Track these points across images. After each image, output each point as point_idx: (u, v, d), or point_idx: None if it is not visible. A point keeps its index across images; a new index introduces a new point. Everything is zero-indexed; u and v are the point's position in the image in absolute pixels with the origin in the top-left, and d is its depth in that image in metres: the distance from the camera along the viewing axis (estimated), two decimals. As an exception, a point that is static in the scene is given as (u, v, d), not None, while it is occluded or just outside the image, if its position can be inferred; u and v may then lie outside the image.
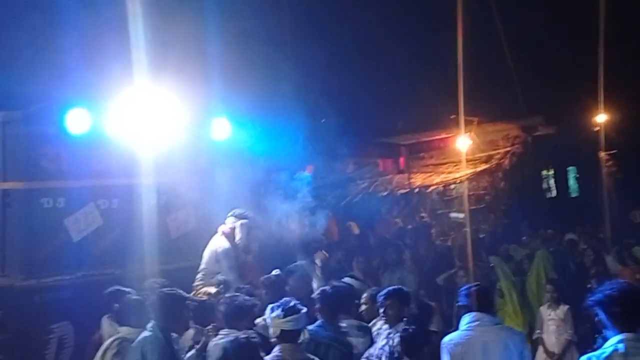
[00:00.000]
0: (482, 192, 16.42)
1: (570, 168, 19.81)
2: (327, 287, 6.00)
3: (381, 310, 5.78)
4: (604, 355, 3.90)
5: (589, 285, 9.70)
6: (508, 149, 17.36)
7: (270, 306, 5.03)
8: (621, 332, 3.91)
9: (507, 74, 17.81)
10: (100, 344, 6.19)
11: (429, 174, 16.87)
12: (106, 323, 6.55)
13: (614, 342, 3.91)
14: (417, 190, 15.96)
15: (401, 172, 16.37)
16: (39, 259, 7.86)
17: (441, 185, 16.31)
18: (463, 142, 14.69)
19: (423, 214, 14.33)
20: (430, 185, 16.30)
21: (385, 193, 15.77)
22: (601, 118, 16.79)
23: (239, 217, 8.08)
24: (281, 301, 5.04)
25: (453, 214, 10.76)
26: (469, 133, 14.98)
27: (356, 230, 12.56)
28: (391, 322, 5.67)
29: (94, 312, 6.76)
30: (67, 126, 7.73)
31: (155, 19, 8.23)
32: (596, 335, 4.12)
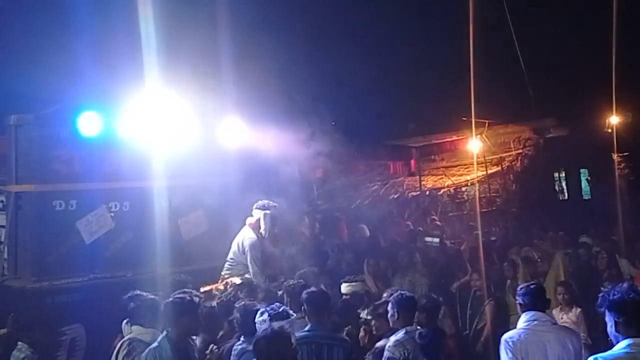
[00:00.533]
0: (494, 194, 16.35)
1: (582, 170, 19.66)
2: (313, 290, 5.87)
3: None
4: (614, 357, 3.89)
5: (602, 288, 9.64)
6: (519, 151, 17.30)
7: (259, 311, 5.06)
8: (629, 336, 3.90)
9: (519, 75, 17.73)
10: None
11: (440, 177, 16.84)
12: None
13: (623, 345, 3.91)
14: (428, 192, 15.92)
15: (412, 174, 16.34)
16: (51, 261, 7.90)
17: (452, 188, 16.27)
18: (474, 144, 14.63)
19: (434, 217, 14.27)
20: (441, 188, 16.26)
21: (396, 195, 15.75)
22: (613, 120, 16.69)
23: (262, 208, 8.09)
24: (270, 306, 5.05)
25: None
26: (480, 135, 14.92)
27: (367, 233, 12.53)
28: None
29: (105, 314, 6.76)
30: (80, 129, 7.78)
31: (167, 23, 8.27)
32: (609, 339, 4.08)
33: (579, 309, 8.31)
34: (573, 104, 17.36)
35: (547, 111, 17.54)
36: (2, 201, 8.54)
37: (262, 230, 7.99)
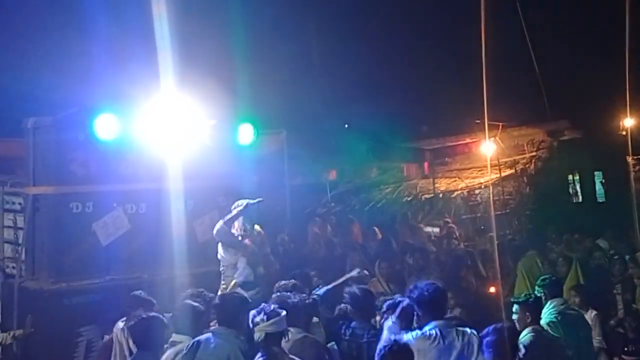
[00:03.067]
0: (507, 197, 16.31)
1: (596, 173, 19.56)
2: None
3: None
4: (421, 334, 5.08)
5: (615, 292, 9.61)
6: (533, 153, 17.25)
7: (251, 312, 5.20)
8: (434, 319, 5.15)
9: (533, 77, 17.67)
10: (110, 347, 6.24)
11: (453, 179, 16.81)
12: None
13: (430, 326, 5.14)
14: (441, 195, 15.91)
15: (425, 176, 16.33)
16: (68, 262, 7.96)
17: (466, 190, 16.25)
18: (488, 146, 14.61)
19: (447, 219, 14.26)
20: (454, 190, 16.24)
21: (409, 198, 15.75)
22: (628, 122, 16.59)
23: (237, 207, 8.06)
24: (260, 307, 5.21)
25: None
26: (493, 138, 14.90)
27: (379, 235, 12.55)
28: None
29: (122, 315, 6.81)
30: (96, 132, 7.83)
31: (182, 27, 8.34)
32: (629, 345, 4.16)
33: (594, 312, 8.26)
34: (587, 106, 17.27)
35: (561, 113, 17.46)
36: (19, 203, 8.63)
37: (236, 229, 7.91)
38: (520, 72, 17.81)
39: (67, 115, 8.04)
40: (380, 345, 4.92)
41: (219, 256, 7.78)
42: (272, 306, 5.22)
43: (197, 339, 5.34)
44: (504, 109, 14.43)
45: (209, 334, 5.36)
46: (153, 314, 5.71)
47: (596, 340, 8.17)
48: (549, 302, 6.76)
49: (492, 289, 9.20)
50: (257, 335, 5.07)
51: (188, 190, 8.36)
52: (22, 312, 7.74)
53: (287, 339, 5.22)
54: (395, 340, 4.88)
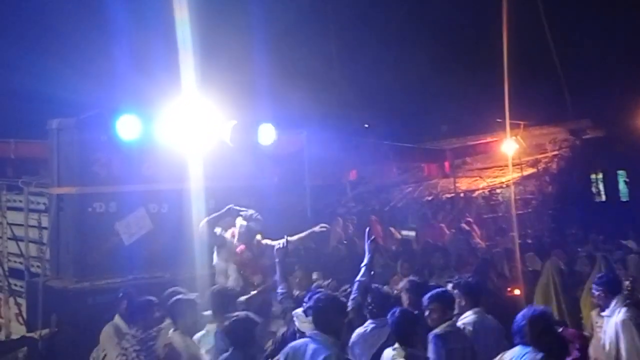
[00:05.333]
0: (529, 196, 16.19)
1: (620, 171, 19.37)
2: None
3: (426, 313, 5.80)
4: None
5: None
6: (555, 152, 17.11)
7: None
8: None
9: (555, 76, 17.54)
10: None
11: (474, 178, 16.72)
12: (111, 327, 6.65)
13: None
14: (462, 194, 15.84)
15: (446, 176, 16.25)
16: (91, 262, 8.06)
17: (487, 190, 16.16)
18: (509, 145, 14.50)
19: (469, 219, 14.19)
20: (475, 190, 16.16)
21: (430, 198, 15.70)
22: (651, 120, 16.39)
23: (245, 218, 8.01)
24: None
25: (404, 232, 10.63)
26: (515, 137, 14.78)
27: (397, 236, 12.53)
28: (435, 325, 5.69)
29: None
30: (119, 132, 7.93)
31: (203, 29, 8.40)
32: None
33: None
34: (610, 104, 17.09)
35: (584, 112, 17.30)
36: (44, 203, 8.76)
37: (229, 235, 7.90)
38: (542, 71, 17.70)
39: (90, 116, 8.14)
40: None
41: (214, 262, 7.73)
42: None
43: (292, 344, 5.09)
44: (526, 107, 14.35)
45: (307, 339, 5.02)
46: (247, 313, 5.67)
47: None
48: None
49: (514, 290, 9.12)
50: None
51: (209, 191, 8.41)
52: (47, 311, 7.84)
53: None
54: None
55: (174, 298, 6.11)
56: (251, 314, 5.61)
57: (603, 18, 17.48)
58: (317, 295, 5.26)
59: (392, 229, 12.72)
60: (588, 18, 17.72)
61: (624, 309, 6.55)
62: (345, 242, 11.71)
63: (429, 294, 5.88)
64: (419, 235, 12.21)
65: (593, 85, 17.72)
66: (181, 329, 5.90)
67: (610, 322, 6.77)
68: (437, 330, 5.61)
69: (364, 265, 6.29)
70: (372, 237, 6.61)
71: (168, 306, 6.06)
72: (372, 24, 17.04)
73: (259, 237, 7.92)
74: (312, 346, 4.87)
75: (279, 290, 6.49)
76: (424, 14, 17.94)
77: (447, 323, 5.68)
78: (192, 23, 8.30)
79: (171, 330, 5.91)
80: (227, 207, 7.76)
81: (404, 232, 10.82)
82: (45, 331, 7.71)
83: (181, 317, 5.94)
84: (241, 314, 5.56)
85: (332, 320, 5.01)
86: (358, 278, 6.19)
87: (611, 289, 6.93)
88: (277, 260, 6.78)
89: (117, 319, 6.69)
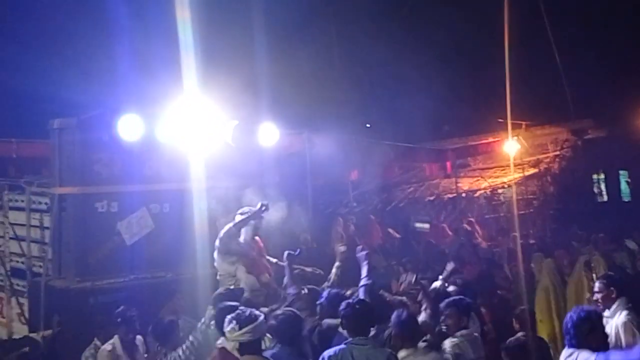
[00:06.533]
0: (531, 196, 16.19)
1: (621, 171, 19.35)
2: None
3: (441, 318, 5.80)
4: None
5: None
6: (557, 152, 17.10)
7: (227, 318, 4.80)
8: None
9: (556, 76, 17.52)
10: None
11: (476, 179, 16.72)
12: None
13: None
14: (464, 194, 15.83)
15: (448, 176, 16.25)
16: (93, 261, 8.08)
17: (488, 190, 16.15)
18: (511, 146, 14.50)
19: (471, 219, 14.18)
20: (477, 190, 16.15)
21: (431, 198, 15.69)
22: (653, 120, 16.39)
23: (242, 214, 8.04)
24: (235, 313, 4.79)
25: (418, 224, 10.60)
26: (517, 137, 14.79)
27: (397, 235, 12.53)
28: (451, 331, 5.69)
29: (147, 314, 6.87)
30: (120, 132, 7.93)
31: (204, 29, 8.40)
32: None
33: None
34: (611, 104, 17.09)
35: (585, 112, 17.29)
36: (46, 203, 8.76)
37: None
38: (544, 71, 17.67)
39: (92, 116, 8.16)
40: None
41: (217, 265, 7.70)
42: (248, 311, 4.82)
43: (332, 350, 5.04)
44: (527, 107, 14.33)
45: (343, 346, 5.03)
46: (291, 309, 5.64)
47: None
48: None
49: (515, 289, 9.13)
50: (232, 346, 4.72)
51: (211, 191, 8.42)
52: (49, 311, 7.85)
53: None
54: None
55: (219, 305, 5.82)
56: (296, 311, 5.59)
57: (605, 17, 17.48)
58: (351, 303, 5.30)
59: (391, 230, 12.72)
60: (590, 17, 17.71)
61: (624, 312, 6.53)
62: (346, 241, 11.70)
63: (446, 300, 5.91)
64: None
65: (595, 85, 17.71)
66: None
67: (610, 324, 6.76)
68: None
69: (365, 277, 6.30)
70: (364, 251, 6.69)
71: (216, 312, 5.80)
72: (374, 23, 17.03)
73: (257, 238, 7.97)
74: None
75: (289, 292, 6.51)
76: (425, 15, 17.95)
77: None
78: (194, 23, 8.31)
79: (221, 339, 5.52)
80: (249, 210, 7.74)
81: (418, 225, 10.80)
82: (48, 332, 7.72)
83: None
84: (287, 310, 5.54)
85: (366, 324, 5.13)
86: (362, 283, 6.21)
87: (617, 291, 6.93)
88: (286, 263, 6.90)
89: (116, 342, 6.39)
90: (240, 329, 4.64)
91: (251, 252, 7.80)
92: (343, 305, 5.25)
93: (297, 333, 5.31)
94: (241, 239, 7.81)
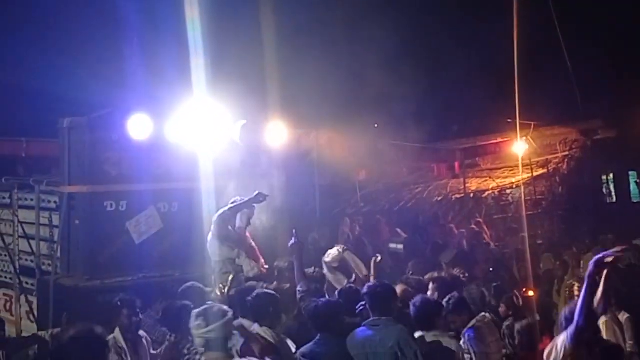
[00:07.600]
0: (539, 197, 16.14)
1: (631, 172, 19.25)
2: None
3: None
4: None
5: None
6: (566, 153, 17.05)
7: (193, 313, 4.58)
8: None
9: (566, 76, 17.46)
10: None
11: (484, 179, 16.69)
12: None
13: None
14: (472, 195, 15.80)
15: (456, 176, 16.23)
16: (102, 260, 8.13)
17: (497, 190, 16.11)
18: (519, 146, 14.45)
19: (479, 219, 14.15)
20: (485, 190, 16.12)
21: (439, 198, 15.67)
22: (663, 121, 16.29)
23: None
24: (202, 308, 4.57)
25: (392, 245, 10.55)
26: (525, 137, 14.74)
27: (404, 236, 12.50)
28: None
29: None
30: (130, 132, 7.97)
31: (213, 29, 8.42)
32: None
33: (626, 315, 8.08)
34: (621, 104, 17.01)
35: (595, 112, 17.23)
36: (55, 202, 8.81)
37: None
38: (553, 71, 17.60)
39: (102, 115, 8.20)
40: None
41: (211, 250, 7.64)
42: (216, 307, 4.62)
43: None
44: (536, 108, 14.28)
45: (363, 327, 5.20)
46: (331, 298, 5.68)
47: (628, 345, 8.01)
48: None
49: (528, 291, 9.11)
50: (198, 342, 4.50)
51: (219, 189, 8.44)
52: (58, 309, 7.88)
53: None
54: None
55: (254, 293, 5.65)
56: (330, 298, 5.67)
57: (614, 17, 17.40)
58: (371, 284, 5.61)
59: (398, 230, 12.70)
60: (599, 17, 17.63)
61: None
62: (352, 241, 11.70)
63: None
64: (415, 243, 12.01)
65: (604, 86, 17.63)
66: (266, 324, 5.45)
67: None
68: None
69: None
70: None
71: (249, 302, 5.61)
72: (382, 23, 17.01)
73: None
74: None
75: (299, 289, 6.24)
76: (434, 14, 17.91)
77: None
78: (203, 23, 8.34)
79: (255, 325, 5.47)
80: (256, 193, 7.76)
81: (392, 246, 10.69)
82: (57, 331, 7.74)
83: (265, 311, 5.52)
84: (321, 299, 5.55)
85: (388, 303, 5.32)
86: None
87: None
88: (293, 256, 6.52)
89: (117, 335, 5.94)
90: (207, 325, 4.43)
91: (247, 240, 7.85)
92: (365, 288, 5.49)
93: (337, 320, 5.33)
94: (236, 226, 7.82)
